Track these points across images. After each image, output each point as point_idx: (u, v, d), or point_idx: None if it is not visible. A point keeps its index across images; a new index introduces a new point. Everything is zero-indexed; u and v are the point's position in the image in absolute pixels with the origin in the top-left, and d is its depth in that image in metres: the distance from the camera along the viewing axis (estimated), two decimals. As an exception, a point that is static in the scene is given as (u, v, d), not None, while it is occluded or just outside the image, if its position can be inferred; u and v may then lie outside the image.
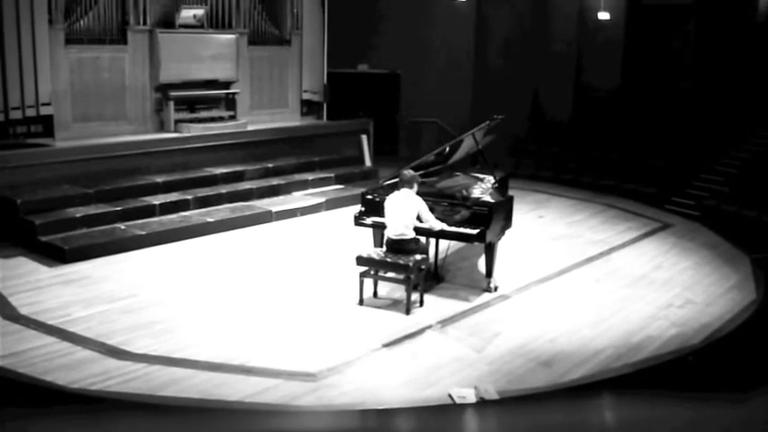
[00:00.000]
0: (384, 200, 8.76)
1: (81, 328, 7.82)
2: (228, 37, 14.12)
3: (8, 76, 11.43)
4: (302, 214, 12.72)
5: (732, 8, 16.11)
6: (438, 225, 8.74)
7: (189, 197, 12.04)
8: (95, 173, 11.83)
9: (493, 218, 8.81)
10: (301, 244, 11.20)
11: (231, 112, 14.35)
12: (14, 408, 6.07)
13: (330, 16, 16.04)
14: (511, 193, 9.97)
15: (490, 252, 9.14)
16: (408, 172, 8.74)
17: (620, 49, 17.36)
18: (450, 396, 6.58)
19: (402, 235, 8.52)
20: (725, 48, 15.82)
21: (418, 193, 8.67)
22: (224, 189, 12.66)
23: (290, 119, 15.61)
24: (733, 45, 15.73)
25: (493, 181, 9.64)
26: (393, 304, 8.75)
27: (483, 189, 9.45)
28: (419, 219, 8.60)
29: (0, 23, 11.28)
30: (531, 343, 7.84)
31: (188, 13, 13.37)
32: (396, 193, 8.67)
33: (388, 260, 8.47)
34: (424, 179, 9.63)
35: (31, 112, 11.69)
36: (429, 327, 8.16)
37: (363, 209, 9.32)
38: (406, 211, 8.50)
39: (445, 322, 8.31)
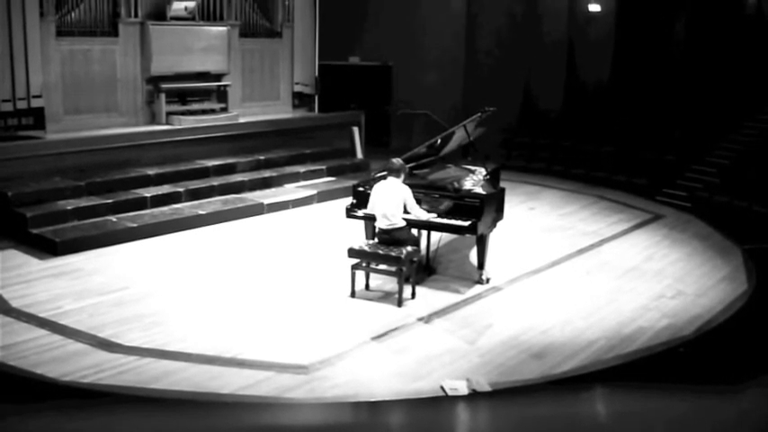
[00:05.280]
0: (377, 192, 8.75)
1: (72, 320, 7.81)
2: (220, 29, 14.07)
3: (-1, 69, 11.41)
4: (294, 206, 12.72)
5: (722, 1, 16.16)
6: (424, 215, 8.74)
7: (180, 189, 12.02)
8: (87, 165, 11.80)
9: (484, 210, 8.81)
10: (293, 236, 11.19)
11: (223, 105, 14.32)
12: (4, 402, 6.05)
13: (321, 8, 16.00)
14: (502, 184, 9.98)
15: (482, 244, 9.15)
16: (397, 161, 8.72)
17: (611, 42, 17.36)
18: (442, 388, 6.59)
19: (391, 224, 8.52)
20: (715, 40, 15.83)
21: (409, 185, 8.67)
22: (216, 181, 12.64)
23: (281, 111, 15.59)
24: (723, 38, 15.74)
25: (484, 173, 9.64)
26: (385, 296, 8.76)
27: (474, 181, 9.45)
28: (405, 210, 8.60)
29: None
30: (523, 335, 7.85)
31: (179, 5, 13.30)
32: (382, 182, 8.68)
33: (380, 252, 8.46)
34: (415, 171, 9.64)
35: (22, 105, 11.62)
36: (421, 319, 8.17)
37: (355, 201, 9.31)
38: (391, 198, 8.49)
39: (437, 314, 8.32)
